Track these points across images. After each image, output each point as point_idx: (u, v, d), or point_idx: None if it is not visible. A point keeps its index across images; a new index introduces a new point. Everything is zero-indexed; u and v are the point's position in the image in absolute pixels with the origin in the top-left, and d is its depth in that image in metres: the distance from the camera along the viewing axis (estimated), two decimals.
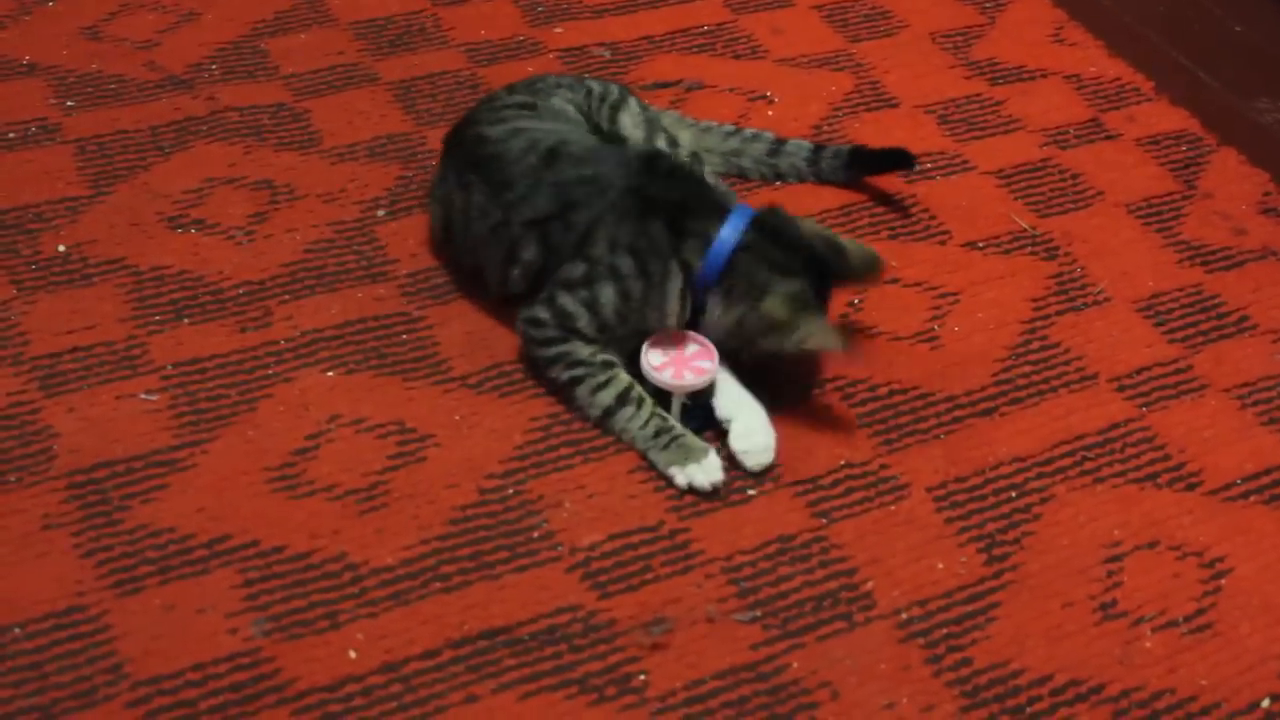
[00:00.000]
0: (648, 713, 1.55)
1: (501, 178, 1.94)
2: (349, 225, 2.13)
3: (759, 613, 1.65)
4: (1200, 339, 2.06)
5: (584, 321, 1.85)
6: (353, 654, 1.58)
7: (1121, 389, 1.97)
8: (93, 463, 1.76)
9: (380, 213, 2.15)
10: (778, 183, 2.26)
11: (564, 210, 1.89)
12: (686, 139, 2.19)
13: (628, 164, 1.92)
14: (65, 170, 2.19)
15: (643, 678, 1.58)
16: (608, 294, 1.84)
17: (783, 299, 1.80)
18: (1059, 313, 2.08)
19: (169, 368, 1.89)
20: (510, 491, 1.76)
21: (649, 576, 1.68)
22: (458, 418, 1.85)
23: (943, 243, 2.19)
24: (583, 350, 1.85)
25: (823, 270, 1.85)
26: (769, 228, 1.85)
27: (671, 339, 1.87)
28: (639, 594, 1.66)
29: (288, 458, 1.78)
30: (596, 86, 2.15)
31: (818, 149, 2.25)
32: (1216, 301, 2.12)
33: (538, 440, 1.83)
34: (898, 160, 2.24)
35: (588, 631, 1.62)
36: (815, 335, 1.80)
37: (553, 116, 2.04)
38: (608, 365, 1.85)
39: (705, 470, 1.77)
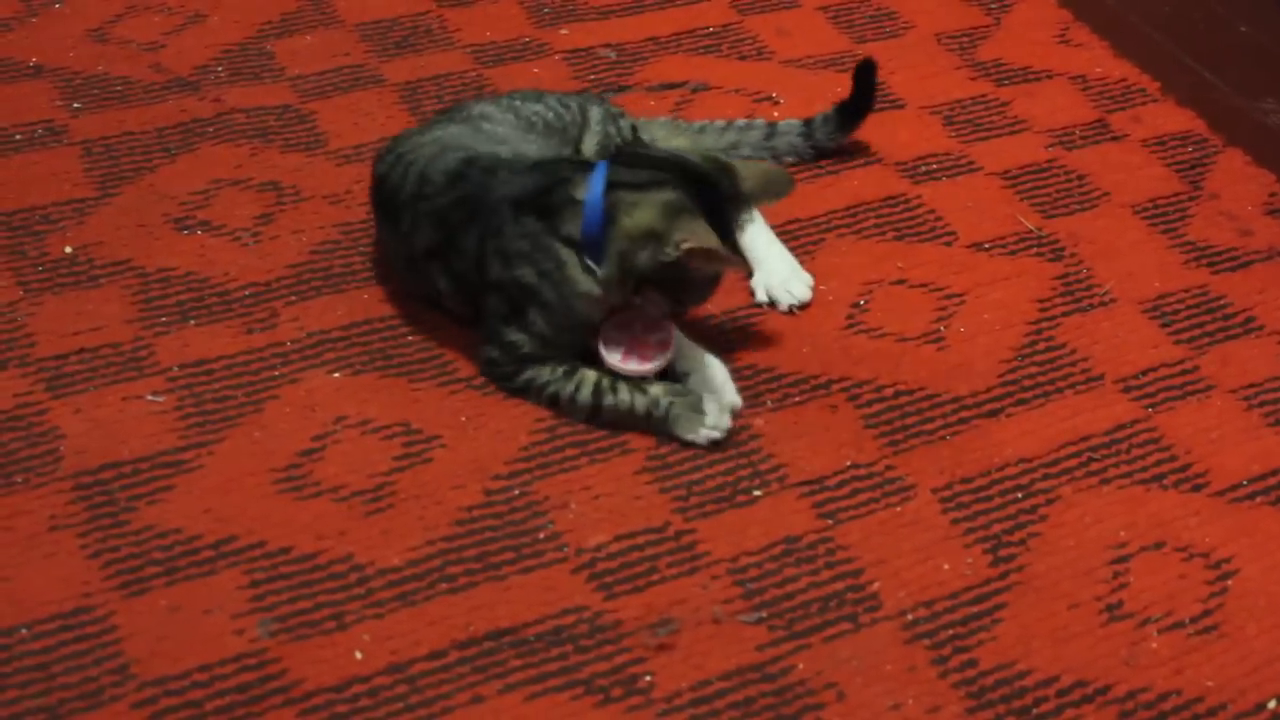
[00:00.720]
0: (654, 714, 1.55)
1: (393, 212, 1.95)
2: (355, 226, 2.13)
3: (765, 614, 1.65)
4: (1206, 340, 2.06)
5: (529, 346, 1.85)
6: (359, 655, 1.58)
7: (1127, 390, 1.97)
8: (99, 464, 1.76)
9: None
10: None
11: (450, 237, 1.88)
12: (683, 144, 2.18)
13: (501, 180, 1.87)
14: (72, 172, 2.19)
15: (649, 679, 1.58)
16: (533, 314, 1.84)
17: (652, 206, 1.78)
18: (1065, 314, 2.08)
19: (175, 369, 1.89)
20: (516, 492, 1.76)
21: (655, 578, 1.68)
22: (464, 419, 1.85)
23: (948, 244, 2.19)
24: (543, 372, 1.85)
25: (704, 186, 1.81)
26: (625, 159, 1.86)
27: (615, 332, 1.87)
28: (645, 595, 1.66)
29: (294, 459, 1.78)
30: (563, 110, 2.10)
31: (808, 121, 2.27)
32: (1223, 302, 2.12)
33: (543, 441, 1.83)
34: (866, 79, 2.24)
35: (594, 632, 1.62)
36: (693, 235, 1.74)
37: (461, 123, 2.03)
38: (570, 372, 1.85)
39: (713, 423, 1.81)
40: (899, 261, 2.14)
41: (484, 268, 1.85)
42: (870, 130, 2.38)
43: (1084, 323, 2.07)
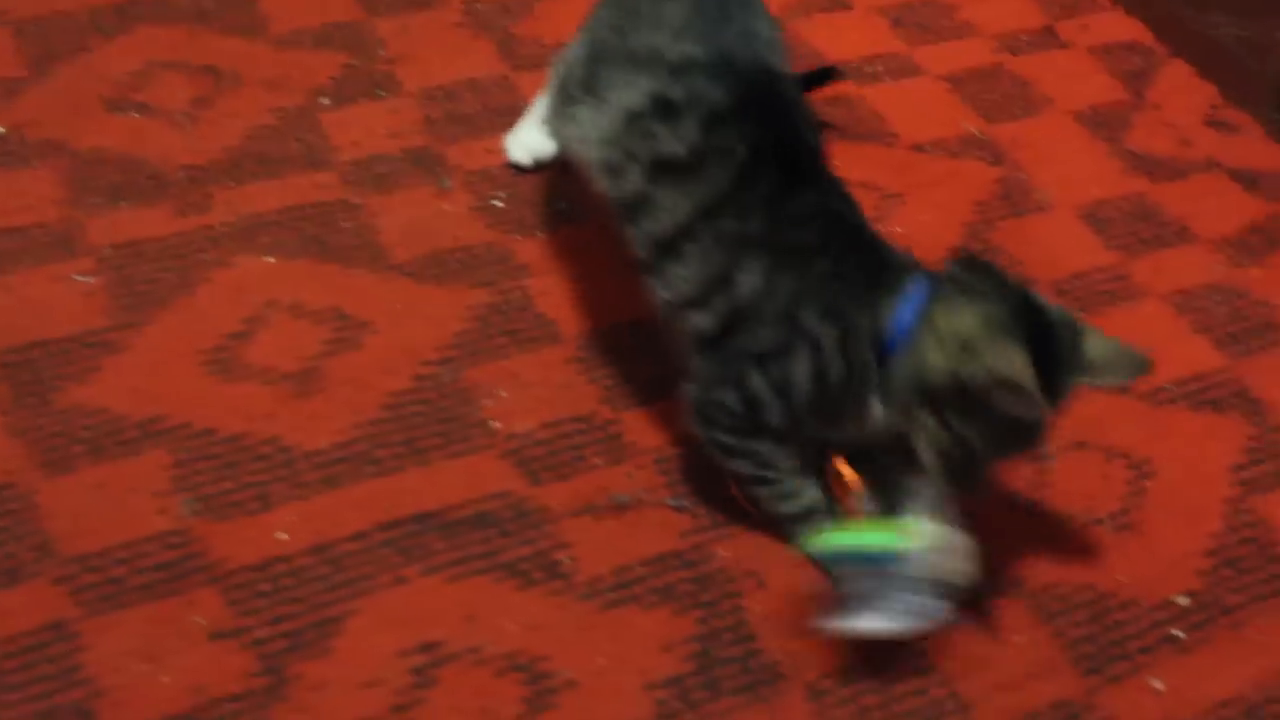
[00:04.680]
0: (574, 597, 1.56)
1: None
2: (292, 112, 2.11)
3: (687, 503, 1.66)
4: (1140, 246, 2.07)
5: (778, 417, 1.56)
6: (283, 535, 1.59)
7: (1061, 293, 1.98)
8: (25, 342, 1.75)
9: (324, 100, 2.13)
10: None
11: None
12: None
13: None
14: (3, 51, 2.15)
15: (570, 563, 1.59)
16: (802, 371, 1.54)
17: (974, 313, 1.47)
18: (1002, 217, 2.08)
19: (106, 249, 1.87)
20: (446, 379, 1.76)
21: (581, 465, 1.69)
22: (397, 306, 1.85)
23: (890, 144, 2.18)
24: (778, 457, 1.59)
25: (1043, 332, 1.47)
26: (965, 263, 1.56)
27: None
28: (570, 482, 1.67)
29: (223, 341, 1.78)
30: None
31: None
32: (1158, 211, 2.13)
33: (474, 329, 1.83)
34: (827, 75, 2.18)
35: (517, 517, 1.62)
36: (1007, 361, 1.41)
37: None
38: (796, 473, 1.60)
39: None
40: (838, 160, 2.12)
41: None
42: (817, 30, 2.38)
43: (1020, 226, 2.07)
